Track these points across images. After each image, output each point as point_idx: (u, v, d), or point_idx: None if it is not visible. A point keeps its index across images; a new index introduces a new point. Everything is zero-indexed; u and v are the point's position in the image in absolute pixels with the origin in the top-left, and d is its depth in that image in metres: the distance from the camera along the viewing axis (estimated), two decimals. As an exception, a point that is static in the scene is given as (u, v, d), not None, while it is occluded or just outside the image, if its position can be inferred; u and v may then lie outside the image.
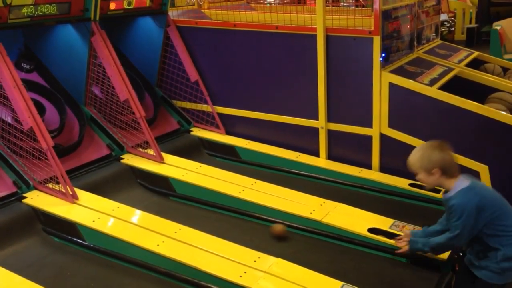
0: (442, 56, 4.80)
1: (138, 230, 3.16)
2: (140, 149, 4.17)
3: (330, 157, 4.30)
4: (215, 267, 2.77)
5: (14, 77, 3.48)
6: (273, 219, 3.41)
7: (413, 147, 3.83)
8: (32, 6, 3.69)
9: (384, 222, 3.26)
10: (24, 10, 3.67)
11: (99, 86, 4.25)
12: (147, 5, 4.65)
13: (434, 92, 3.80)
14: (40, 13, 3.78)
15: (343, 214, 3.39)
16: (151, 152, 4.12)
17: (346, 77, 4.08)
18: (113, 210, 3.34)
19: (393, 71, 3.99)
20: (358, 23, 4.06)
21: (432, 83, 3.96)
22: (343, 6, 5.34)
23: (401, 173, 3.91)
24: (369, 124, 4.05)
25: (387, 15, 3.96)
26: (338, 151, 4.26)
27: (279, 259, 2.85)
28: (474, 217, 2.48)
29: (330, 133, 4.27)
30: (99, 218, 3.25)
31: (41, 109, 3.85)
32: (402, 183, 3.82)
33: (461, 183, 2.56)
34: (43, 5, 3.75)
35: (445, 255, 2.85)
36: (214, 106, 4.77)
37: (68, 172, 3.62)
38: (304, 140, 4.37)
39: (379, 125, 4.01)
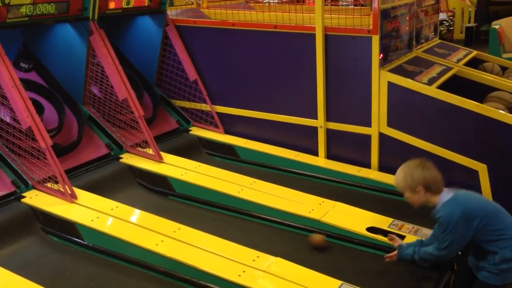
0: (441, 55, 4.80)
1: (137, 230, 3.16)
2: (139, 149, 4.17)
3: (329, 156, 4.30)
4: (214, 266, 2.77)
5: (12, 76, 3.48)
6: (272, 218, 3.42)
7: (412, 146, 3.90)
8: (30, 6, 3.68)
9: (383, 221, 3.26)
10: (23, 10, 3.66)
11: (98, 86, 4.25)
12: (146, 4, 4.65)
13: (433, 91, 3.81)
14: (38, 13, 3.77)
15: (342, 213, 3.39)
16: (150, 151, 4.12)
17: (345, 76, 4.08)
18: (112, 209, 3.34)
19: (392, 70, 3.99)
20: (357, 22, 4.06)
21: (431, 82, 3.96)
22: (342, 5, 5.33)
23: (400, 172, 3.91)
24: (368, 123, 4.05)
25: (386, 14, 3.96)
26: (337, 150, 4.26)
27: (278, 258, 2.85)
28: (462, 227, 2.49)
29: (329, 132, 4.27)
30: (98, 217, 3.25)
31: (39, 109, 3.84)
32: (401, 182, 3.81)
33: (444, 196, 2.61)
34: (41, 4, 3.75)
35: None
36: (213, 106, 4.77)
37: (67, 172, 3.62)
38: (303, 139, 4.37)
39: (378, 124, 4.01)
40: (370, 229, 3.18)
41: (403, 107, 3.92)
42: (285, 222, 3.38)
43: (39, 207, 3.34)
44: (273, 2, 6.22)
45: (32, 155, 3.55)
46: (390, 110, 3.95)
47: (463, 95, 3.76)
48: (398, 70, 4.03)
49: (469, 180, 3.69)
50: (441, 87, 3.94)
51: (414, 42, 4.60)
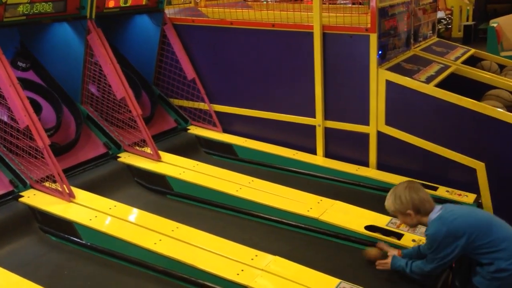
0: (439, 54, 4.81)
1: (135, 229, 3.16)
2: (137, 148, 4.17)
3: (327, 155, 4.30)
4: (212, 265, 2.77)
5: (10, 75, 3.47)
6: (271, 217, 3.42)
7: (410, 145, 3.90)
8: (28, 4, 3.68)
9: (381, 220, 3.26)
10: (20, 9, 3.65)
11: (96, 85, 4.24)
12: (144, 3, 4.64)
13: (431, 89, 3.81)
14: (36, 12, 3.76)
15: (340, 211, 3.39)
16: (148, 150, 4.11)
17: (343, 75, 4.08)
18: (110, 208, 3.34)
19: (390, 69, 3.99)
20: (354, 21, 4.06)
21: (429, 80, 3.96)
22: (340, 3, 5.33)
23: (398, 170, 3.92)
24: (366, 122, 4.05)
25: (383, 13, 3.96)
26: (335, 148, 4.26)
27: (277, 257, 2.85)
28: (448, 245, 2.51)
29: (327, 131, 4.27)
30: (96, 216, 3.25)
31: (37, 108, 3.84)
32: (399, 180, 3.77)
33: (432, 215, 2.62)
34: (39, 3, 3.74)
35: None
36: (211, 104, 4.76)
37: (65, 171, 3.61)
38: (301, 138, 4.37)
39: (376, 123, 4.01)
40: (368, 228, 3.18)
41: (401, 105, 3.92)
42: (284, 220, 3.38)
43: (37, 206, 3.34)
44: (271, 1, 6.21)
45: (30, 154, 3.54)
46: (388, 108, 3.95)
47: (461, 93, 3.76)
48: (396, 69, 4.03)
49: (467, 178, 3.70)
50: (439, 85, 3.94)
51: (412, 41, 4.60)
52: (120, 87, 4.06)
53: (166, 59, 4.81)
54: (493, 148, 3.63)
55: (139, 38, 4.84)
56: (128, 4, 4.53)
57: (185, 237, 3.02)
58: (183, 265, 2.81)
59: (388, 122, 3.98)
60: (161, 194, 3.84)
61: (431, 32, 5.20)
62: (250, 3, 6.09)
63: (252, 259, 2.83)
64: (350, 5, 5.21)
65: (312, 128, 4.30)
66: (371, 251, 2.93)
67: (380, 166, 4.07)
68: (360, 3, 4.97)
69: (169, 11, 4.88)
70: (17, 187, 3.48)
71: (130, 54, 4.83)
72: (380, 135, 4.03)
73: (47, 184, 3.50)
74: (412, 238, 3.06)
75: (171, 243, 2.98)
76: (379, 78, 3.91)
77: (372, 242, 3.09)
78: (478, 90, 4.49)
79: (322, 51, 4.07)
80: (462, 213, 2.60)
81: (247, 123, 4.64)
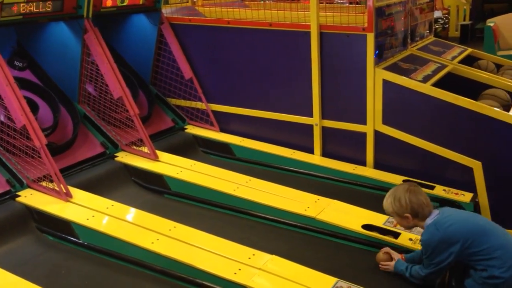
0: (436, 53, 4.81)
1: (132, 228, 3.15)
2: (135, 147, 4.16)
3: (324, 154, 4.31)
4: (210, 264, 2.77)
5: (6, 75, 3.46)
6: (268, 216, 3.42)
7: (407, 144, 3.91)
8: (24, 4, 3.66)
9: (378, 219, 3.26)
10: (17, 8, 3.64)
11: (93, 84, 4.23)
12: (141, 2, 4.64)
13: (427, 89, 3.81)
14: (32, 11, 3.75)
15: (338, 210, 3.40)
16: (146, 150, 4.11)
17: (340, 74, 4.08)
18: (107, 208, 3.33)
19: (387, 68, 3.99)
20: (352, 20, 4.06)
21: (425, 80, 3.97)
22: (337, 3, 5.34)
23: (395, 169, 3.93)
24: (363, 121, 4.06)
25: (380, 12, 3.96)
26: (333, 148, 4.27)
27: (274, 256, 2.85)
28: (442, 251, 2.51)
29: (325, 130, 4.27)
30: (93, 216, 3.24)
31: (34, 107, 3.82)
32: (396, 179, 3.83)
33: (428, 220, 2.62)
34: (36, 2, 3.72)
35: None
36: (208, 104, 4.76)
37: (62, 171, 3.60)
38: (299, 137, 4.37)
39: (373, 122, 4.01)
40: (365, 227, 3.19)
41: (398, 104, 3.92)
42: (281, 220, 3.39)
43: (34, 206, 3.33)
44: (268, 0, 6.21)
45: (26, 154, 3.53)
46: (385, 107, 3.95)
47: (458, 93, 3.77)
48: (393, 68, 4.04)
49: (464, 177, 3.71)
50: (436, 84, 3.95)
51: (409, 40, 4.61)
52: (117, 86, 4.05)
53: (163, 59, 4.80)
54: (490, 147, 3.64)
55: (136, 38, 4.83)
56: (125, 4, 4.52)
57: (183, 237, 3.02)
58: (180, 264, 2.81)
59: (385, 121, 3.98)
60: (158, 193, 3.84)
61: (428, 31, 5.21)
62: (247, 2, 6.09)
63: (249, 258, 2.83)
64: (347, 4, 5.22)
65: (310, 127, 4.30)
66: (380, 256, 2.91)
67: (377, 165, 4.07)
68: (357, 3, 4.97)
69: (166, 10, 4.87)
70: (14, 186, 3.47)
71: (127, 53, 4.82)
72: (377, 134, 4.04)
73: (44, 183, 3.49)
74: (409, 237, 3.07)
75: (169, 243, 2.98)
76: (376, 77, 3.92)
77: (370, 241, 3.09)
78: (474, 90, 4.50)
79: (319, 51, 4.08)
80: (458, 219, 2.59)
81: (245, 123, 4.64)
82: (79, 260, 3.04)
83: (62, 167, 3.69)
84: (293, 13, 4.33)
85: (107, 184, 3.77)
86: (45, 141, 3.47)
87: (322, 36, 4.06)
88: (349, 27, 3.98)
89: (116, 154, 4.09)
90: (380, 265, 2.86)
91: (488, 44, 8.40)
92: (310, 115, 4.27)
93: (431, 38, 5.31)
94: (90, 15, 4.09)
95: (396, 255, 2.86)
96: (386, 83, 3.91)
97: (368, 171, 4.04)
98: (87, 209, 3.31)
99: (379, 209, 3.38)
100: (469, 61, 5.14)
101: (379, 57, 3.98)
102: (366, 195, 3.81)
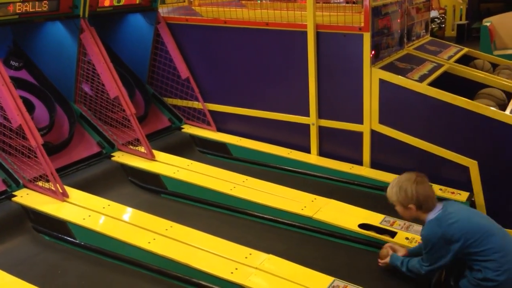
0: (432, 53, 4.82)
1: (129, 228, 3.15)
2: (131, 147, 4.16)
3: (321, 153, 4.31)
4: (206, 264, 2.77)
5: (2, 74, 3.45)
6: (265, 216, 3.42)
7: (403, 143, 3.92)
8: (20, 3, 3.65)
9: (374, 218, 3.27)
10: (13, 7, 3.63)
11: (89, 84, 4.23)
12: (137, 2, 4.63)
13: (424, 88, 3.82)
14: (28, 10, 3.74)
15: (334, 210, 3.40)
16: (142, 149, 4.10)
17: (337, 74, 4.09)
18: (103, 208, 3.33)
19: (383, 68, 4.00)
20: (348, 20, 4.06)
21: (422, 79, 3.97)
22: (334, 2, 5.34)
23: (391, 169, 3.93)
24: (359, 121, 4.06)
25: (377, 12, 3.97)
26: (329, 147, 4.27)
27: (271, 255, 2.85)
28: (441, 248, 2.50)
29: (321, 130, 4.27)
30: (89, 216, 3.24)
31: (30, 107, 3.82)
32: (392, 179, 3.81)
33: (432, 215, 2.58)
34: (32, 2, 3.71)
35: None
36: (205, 103, 4.76)
37: (58, 170, 3.60)
38: (295, 137, 4.37)
39: (370, 122, 4.02)
40: (362, 226, 3.19)
41: (395, 104, 3.93)
42: (278, 219, 3.39)
43: (30, 206, 3.33)
44: (265, 0, 6.21)
45: (23, 153, 3.53)
46: (382, 107, 3.96)
47: (454, 92, 3.77)
48: (389, 67, 4.05)
49: (460, 176, 3.72)
50: (432, 84, 3.95)
51: (405, 39, 4.62)
52: (113, 86, 4.05)
53: (160, 58, 4.80)
54: (486, 146, 3.65)
55: (133, 37, 4.82)
56: (121, 3, 4.51)
57: (179, 236, 3.02)
58: (177, 264, 2.81)
59: (382, 121, 3.99)
60: (155, 193, 3.84)
61: (424, 31, 5.22)
62: (244, 2, 6.09)
63: (246, 257, 2.83)
64: (343, 4, 5.22)
65: (306, 126, 4.31)
66: (383, 252, 2.90)
67: (374, 165, 4.08)
68: (353, 2, 4.97)
69: (162, 10, 4.87)
70: (10, 186, 3.47)
71: (124, 53, 4.82)
72: (374, 133, 4.04)
73: (40, 183, 3.49)
74: (405, 236, 3.07)
75: (165, 242, 2.98)
76: (372, 77, 3.92)
77: (366, 240, 3.10)
78: (471, 89, 4.51)
79: (315, 50, 4.08)
80: (461, 217, 2.54)
81: (241, 122, 4.64)
82: (76, 260, 3.04)
83: (59, 166, 3.69)
84: (289, 13, 4.34)
85: (104, 184, 3.77)
86: (41, 140, 3.47)
87: (318, 35, 4.06)
88: (345, 26, 3.98)
89: (112, 154, 4.09)
90: (378, 262, 2.87)
91: (484, 44, 8.42)
92: (307, 114, 4.27)
93: (428, 38, 5.32)
94: (87, 15, 4.09)
95: (400, 250, 2.85)
96: (382, 82, 3.91)
97: (365, 171, 4.05)
98: (83, 209, 3.31)
99: (375, 208, 3.40)
100: (466, 60, 5.15)
101: (376, 57, 3.97)
102: (363, 194, 3.82)
